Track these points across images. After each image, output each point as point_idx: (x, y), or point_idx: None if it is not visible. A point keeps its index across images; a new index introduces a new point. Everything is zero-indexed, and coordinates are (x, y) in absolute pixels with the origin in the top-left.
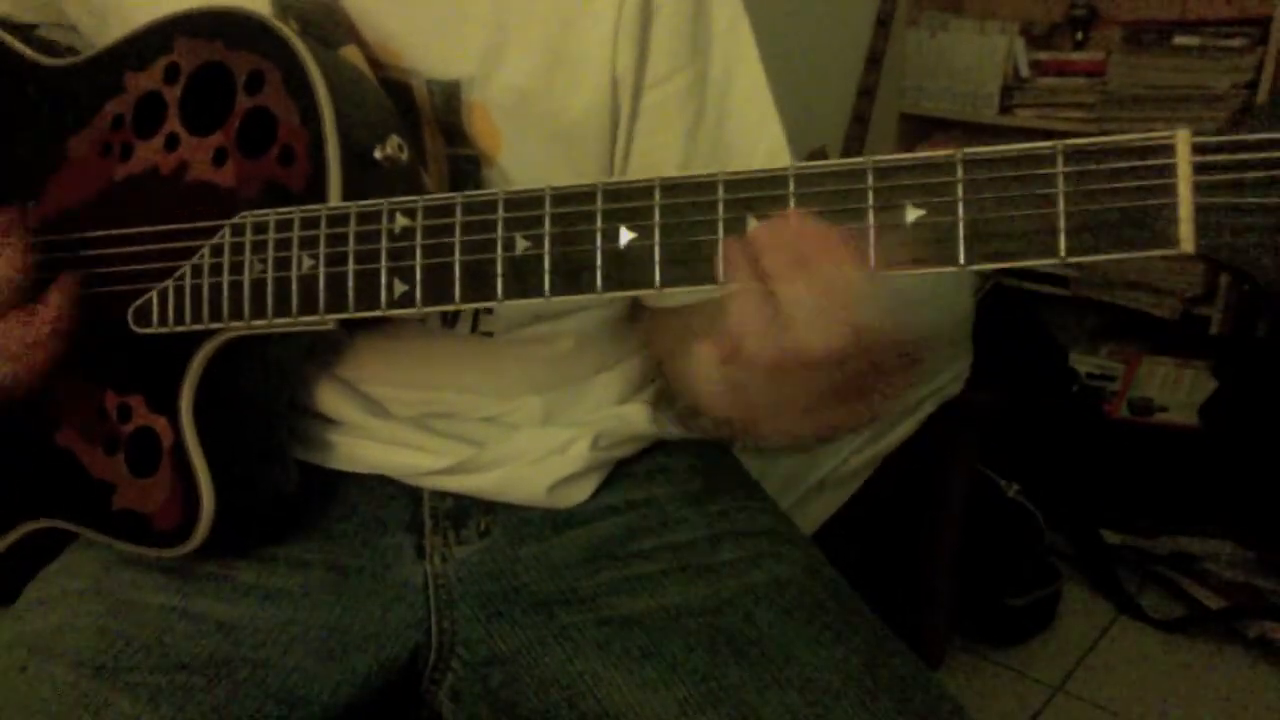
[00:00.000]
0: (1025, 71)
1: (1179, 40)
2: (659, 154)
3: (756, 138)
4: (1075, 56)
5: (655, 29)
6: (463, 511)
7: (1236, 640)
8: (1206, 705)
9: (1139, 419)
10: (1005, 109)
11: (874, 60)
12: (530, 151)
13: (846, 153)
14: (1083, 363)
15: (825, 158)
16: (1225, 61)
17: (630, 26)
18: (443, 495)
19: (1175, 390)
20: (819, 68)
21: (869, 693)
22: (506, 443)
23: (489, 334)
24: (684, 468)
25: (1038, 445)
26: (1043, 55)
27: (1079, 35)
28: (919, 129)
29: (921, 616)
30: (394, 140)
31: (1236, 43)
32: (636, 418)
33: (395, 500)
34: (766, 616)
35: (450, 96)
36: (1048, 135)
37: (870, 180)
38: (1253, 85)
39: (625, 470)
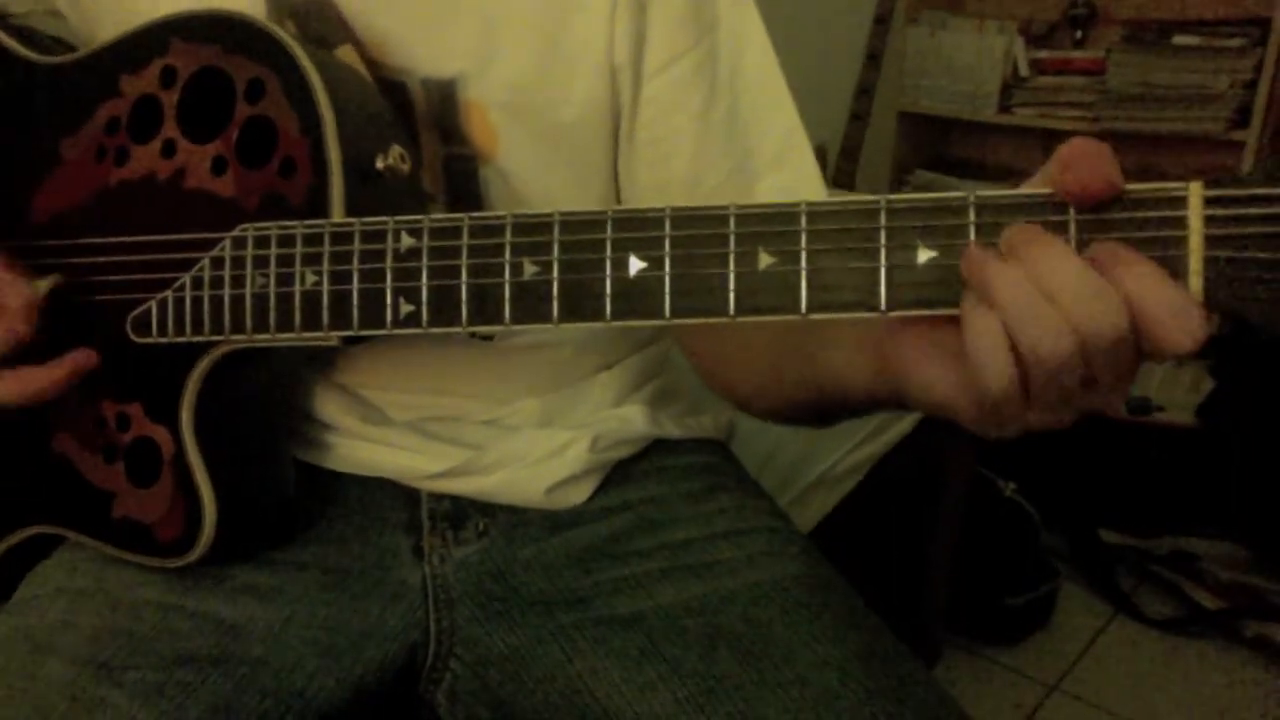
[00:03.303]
0: (1025, 70)
1: (1178, 40)
2: (671, 141)
3: (772, 116)
4: (1075, 55)
5: (653, 13)
6: (461, 512)
7: (1234, 640)
8: (1203, 705)
9: (1137, 418)
10: (1004, 108)
11: (873, 58)
12: (527, 150)
13: (845, 151)
14: None
15: (825, 156)
16: (1225, 61)
17: (626, 13)
18: (441, 497)
19: (1173, 390)
20: (818, 66)
21: (867, 692)
22: (505, 445)
23: (488, 337)
24: (682, 467)
25: (1035, 444)
26: (1042, 54)
27: (1078, 34)
28: (918, 128)
29: (918, 615)
30: (396, 150)
31: (1236, 42)
32: (635, 418)
33: (393, 501)
34: (764, 615)
35: (446, 96)
36: (1047, 134)
37: (883, 219)
38: (1252, 85)
39: (623, 470)
